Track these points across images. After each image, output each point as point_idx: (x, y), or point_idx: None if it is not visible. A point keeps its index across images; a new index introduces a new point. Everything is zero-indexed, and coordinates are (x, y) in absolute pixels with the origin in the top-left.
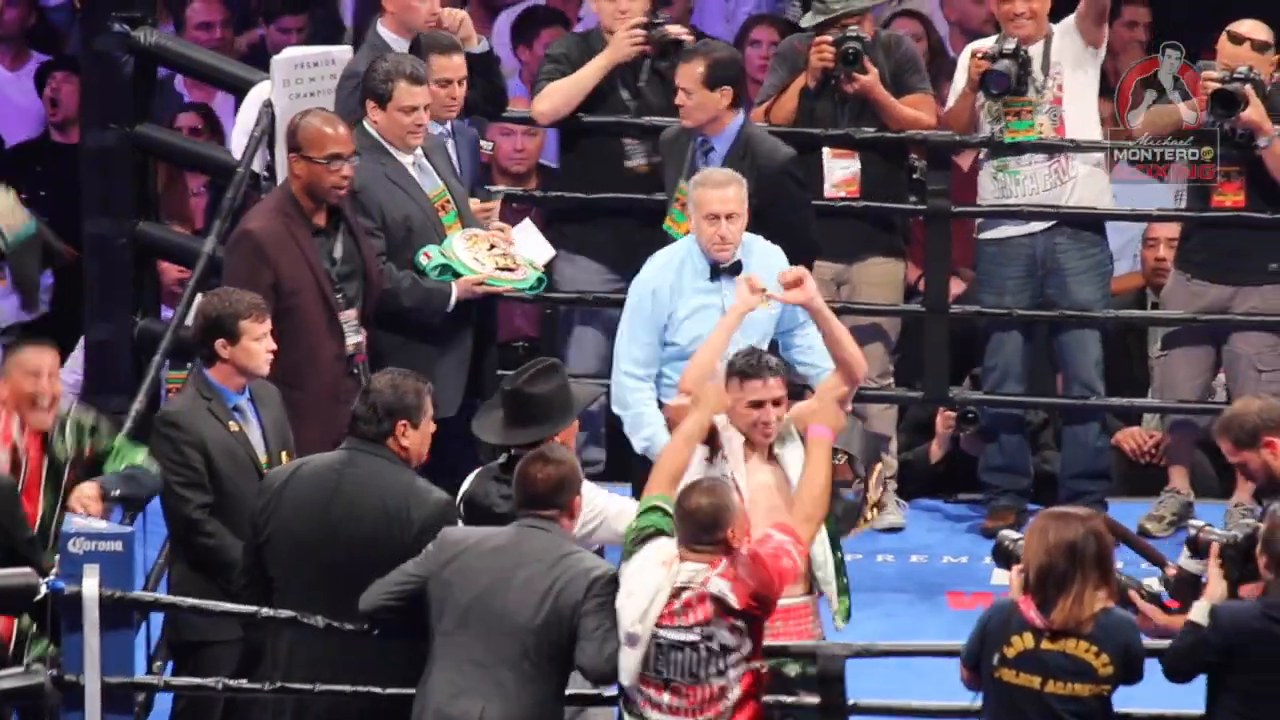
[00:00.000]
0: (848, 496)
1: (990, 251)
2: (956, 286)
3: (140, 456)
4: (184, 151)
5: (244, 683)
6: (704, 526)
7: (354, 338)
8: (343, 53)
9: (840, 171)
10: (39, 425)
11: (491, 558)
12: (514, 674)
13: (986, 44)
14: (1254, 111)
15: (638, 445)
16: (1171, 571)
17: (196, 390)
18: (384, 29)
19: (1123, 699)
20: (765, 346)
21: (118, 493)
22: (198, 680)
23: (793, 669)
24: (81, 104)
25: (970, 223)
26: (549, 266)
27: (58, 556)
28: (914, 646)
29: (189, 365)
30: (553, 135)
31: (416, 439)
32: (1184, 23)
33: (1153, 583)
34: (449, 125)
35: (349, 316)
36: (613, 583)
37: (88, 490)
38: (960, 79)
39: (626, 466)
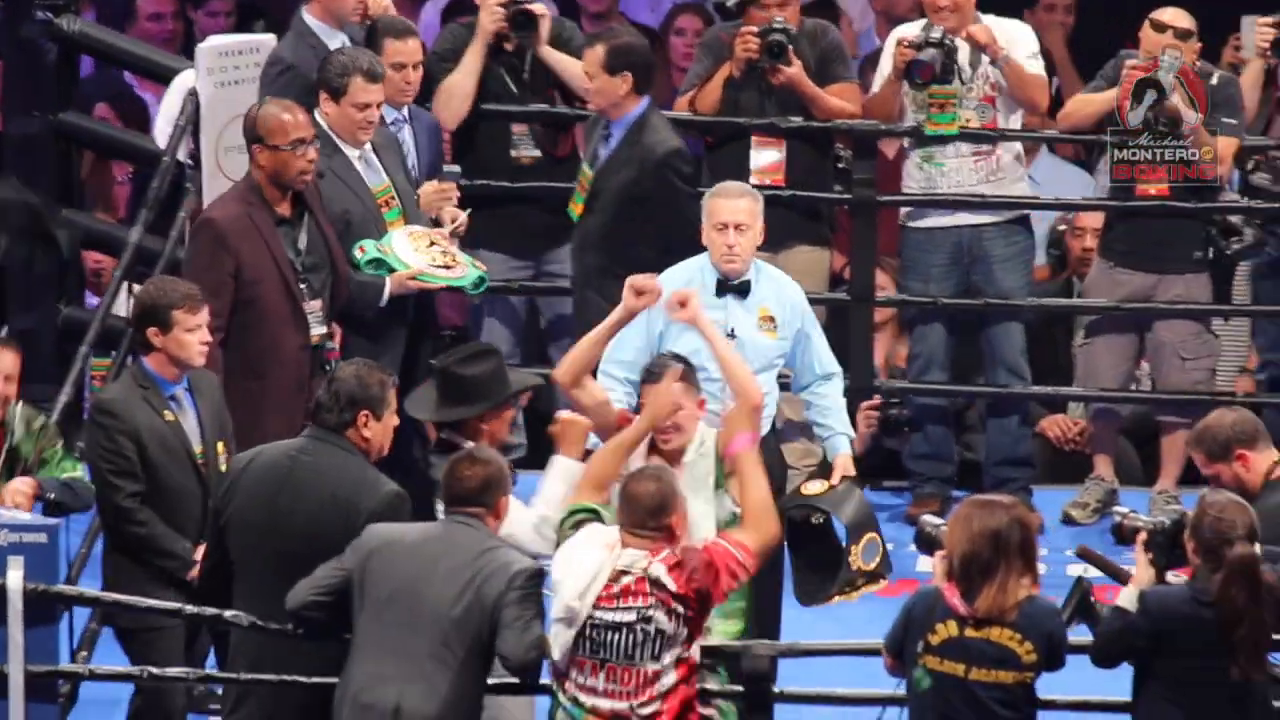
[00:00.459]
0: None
1: (916, 239)
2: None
3: (78, 470)
4: (107, 139)
5: (169, 671)
6: (650, 511)
7: (319, 329)
8: (267, 40)
9: (764, 159)
10: None
11: (416, 549)
12: (433, 664)
13: (912, 31)
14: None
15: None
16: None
17: (133, 378)
18: (309, 16)
19: (1045, 686)
20: (765, 378)
21: (53, 497)
22: (124, 669)
23: (713, 683)
24: (4, 91)
25: (895, 211)
26: None
27: None
28: (839, 645)
29: (113, 353)
30: None
31: (378, 430)
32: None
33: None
34: (405, 111)
35: (314, 307)
36: (535, 576)
37: (22, 487)
38: (886, 65)
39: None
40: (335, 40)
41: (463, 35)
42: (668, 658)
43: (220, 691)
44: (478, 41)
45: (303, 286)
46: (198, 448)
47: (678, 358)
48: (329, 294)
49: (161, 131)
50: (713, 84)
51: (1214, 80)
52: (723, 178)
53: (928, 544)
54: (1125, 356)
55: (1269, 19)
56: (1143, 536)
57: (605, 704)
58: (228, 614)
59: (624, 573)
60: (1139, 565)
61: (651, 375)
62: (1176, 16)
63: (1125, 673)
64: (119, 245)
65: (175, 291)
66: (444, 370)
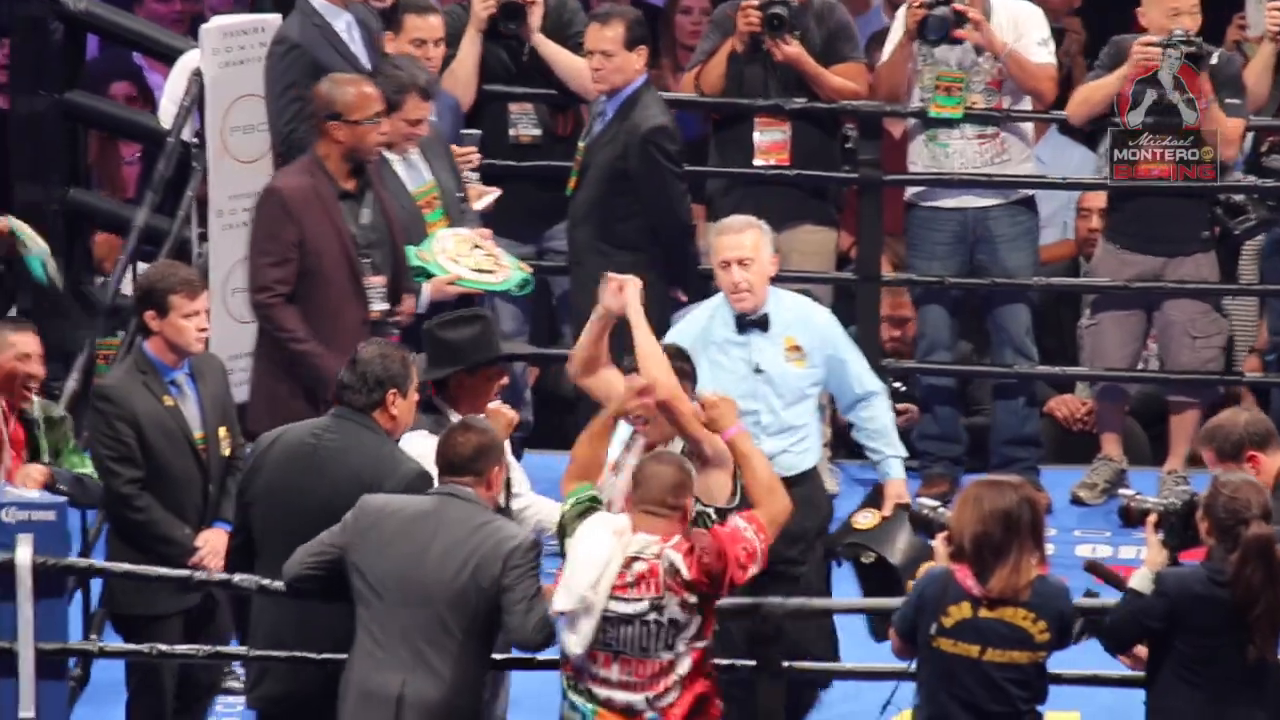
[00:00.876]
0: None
1: (921, 217)
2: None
3: (88, 465)
4: (114, 119)
5: (177, 648)
6: (671, 488)
7: (379, 305)
8: (272, 20)
9: (769, 139)
10: (24, 405)
11: (409, 527)
12: (433, 648)
13: None
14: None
15: None
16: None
17: (134, 363)
18: None
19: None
20: (802, 409)
21: (64, 488)
22: (132, 646)
23: None
24: (10, 70)
25: (902, 191)
26: None
27: None
28: (850, 604)
29: (119, 333)
30: None
31: (405, 408)
32: None
33: None
34: None
35: (375, 283)
36: (532, 549)
37: (35, 474)
38: (897, 30)
39: (556, 434)
40: (340, 20)
41: (461, 17)
42: (681, 646)
43: (239, 669)
44: (471, 27)
45: (365, 261)
46: (198, 433)
47: (673, 348)
48: (390, 272)
49: (167, 112)
50: (716, 59)
51: (1215, 60)
52: (728, 157)
53: (925, 526)
54: (1132, 336)
55: (1277, 1)
56: (1153, 518)
57: (620, 696)
58: (236, 577)
59: (635, 559)
60: (1150, 547)
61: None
62: None
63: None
64: (126, 225)
65: (174, 276)
66: (429, 332)
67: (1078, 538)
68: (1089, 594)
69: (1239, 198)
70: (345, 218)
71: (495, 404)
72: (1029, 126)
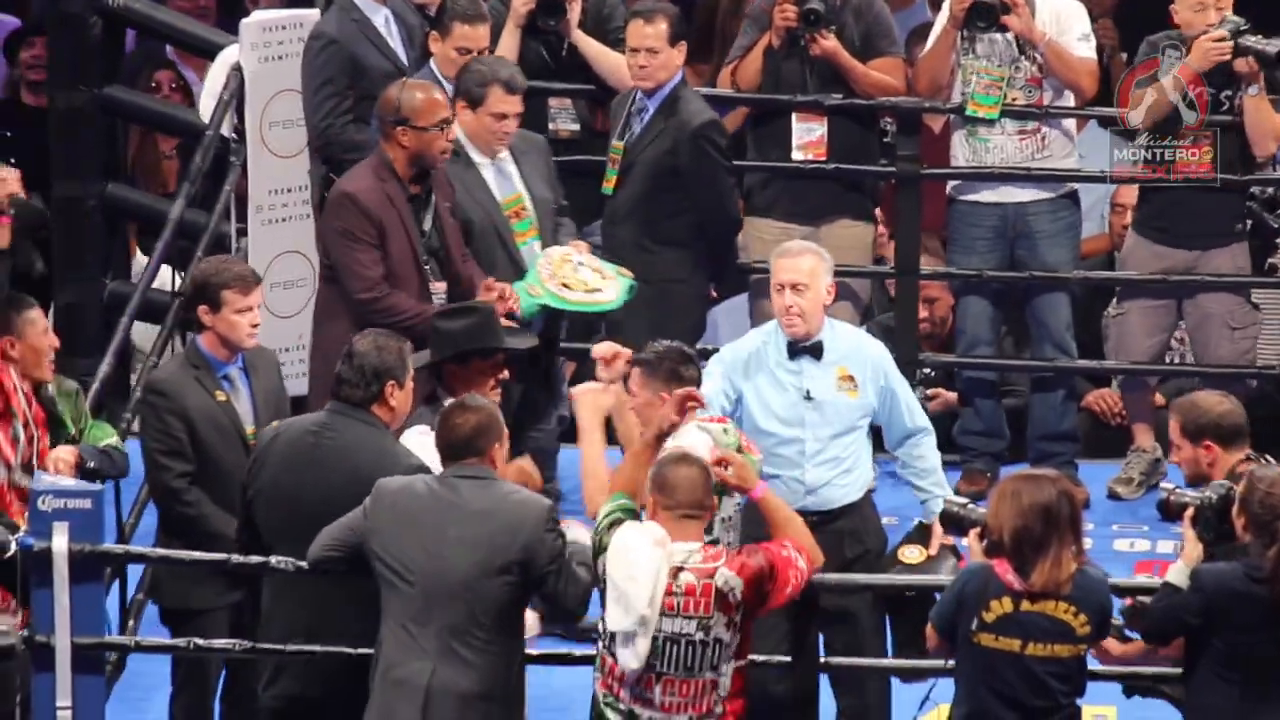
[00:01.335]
0: None
1: (961, 211)
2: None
3: (112, 436)
4: (152, 113)
5: (215, 643)
6: (705, 491)
7: None
8: (311, 15)
9: (807, 134)
10: (45, 379)
11: (424, 517)
12: (461, 638)
13: None
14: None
15: None
16: (1129, 602)
17: (187, 358)
18: None
19: None
20: (850, 439)
21: (93, 465)
22: (168, 641)
23: None
24: (49, 66)
25: (942, 186)
26: None
27: (27, 514)
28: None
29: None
30: None
31: (403, 399)
32: None
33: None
34: None
35: (438, 288)
36: (549, 514)
37: (65, 455)
38: (942, 18)
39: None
40: (379, 15)
41: (501, 13)
42: (724, 666)
43: None
44: (510, 23)
45: (427, 267)
46: (250, 428)
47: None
48: (447, 279)
49: (206, 106)
50: (753, 55)
51: (1271, 50)
52: (765, 152)
53: (956, 524)
54: (1160, 327)
55: None
56: (1190, 512)
57: (661, 718)
58: (273, 560)
59: (679, 569)
60: (1188, 541)
61: (648, 365)
62: None
63: None
64: (164, 220)
65: (228, 271)
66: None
67: (1115, 532)
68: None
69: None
70: (413, 221)
71: (522, 462)
72: (1071, 124)
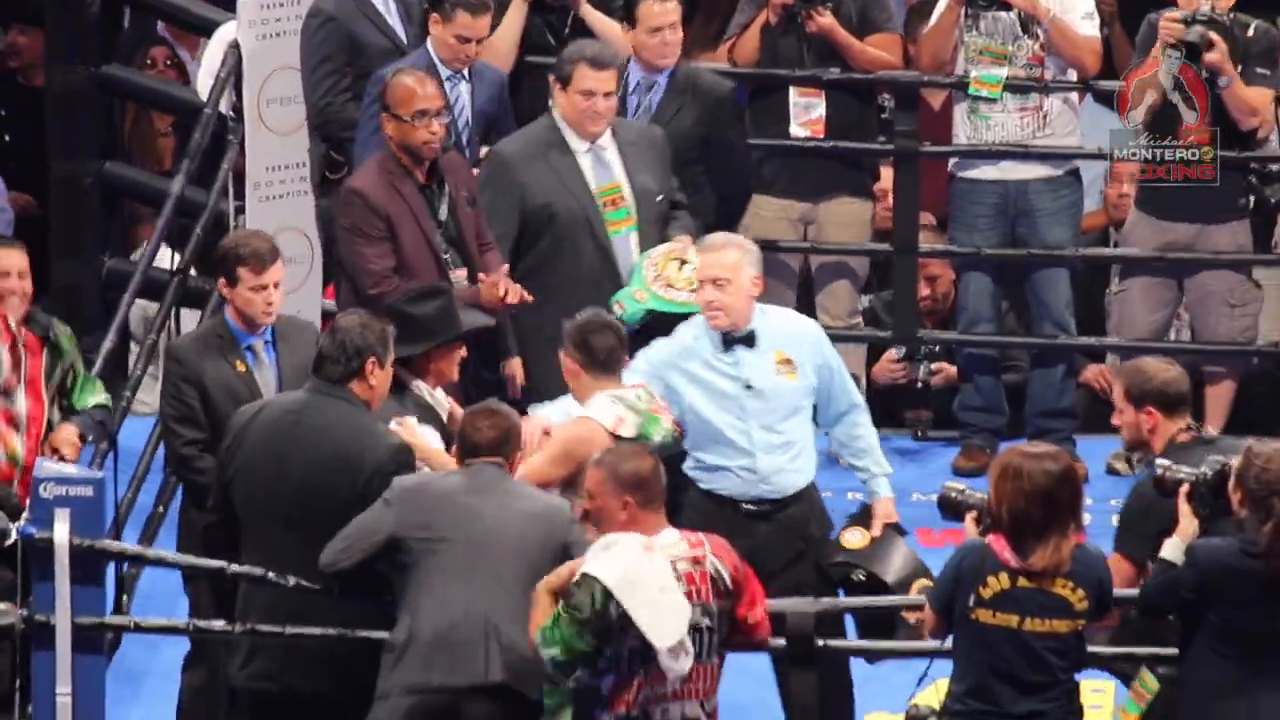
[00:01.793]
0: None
1: (962, 188)
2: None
3: (102, 396)
4: (150, 91)
5: (214, 625)
6: (659, 474)
7: None
8: None
9: (805, 111)
10: (10, 312)
11: (458, 493)
12: (514, 600)
13: None
14: (1217, 54)
15: None
16: None
17: (212, 326)
18: None
19: None
20: (796, 422)
21: (91, 438)
22: (165, 621)
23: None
24: (47, 44)
25: (943, 163)
26: None
27: (29, 501)
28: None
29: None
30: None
31: (382, 378)
32: None
33: None
34: (465, 70)
35: (458, 277)
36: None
37: (70, 436)
38: None
39: None
40: None
41: None
42: (719, 649)
43: None
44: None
45: (445, 256)
46: None
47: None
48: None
49: (203, 84)
50: (750, 32)
51: (1251, 31)
52: (763, 128)
53: (955, 509)
54: (1161, 304)
55: None
56: (1185, 488)
57: (674, 708)
58: (271, 575)
59: (674, 562)
60: (1183, 517)
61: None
62: None
63: None
64: (162, 198)
65: (245, 247)
66: (392, 309)
67: (1113, 507)
68: None
69: (1275, 167)
70: (425, 210)
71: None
72: (1074, 100)
